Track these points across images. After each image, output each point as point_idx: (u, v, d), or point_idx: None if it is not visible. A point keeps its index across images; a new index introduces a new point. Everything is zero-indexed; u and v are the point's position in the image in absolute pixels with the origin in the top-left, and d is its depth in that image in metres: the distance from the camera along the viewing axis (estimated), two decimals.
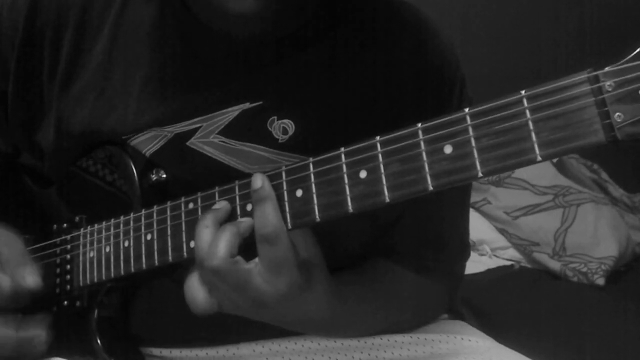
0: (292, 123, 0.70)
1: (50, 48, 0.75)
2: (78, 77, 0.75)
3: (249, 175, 0.58)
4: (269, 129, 0.70)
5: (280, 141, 0.70)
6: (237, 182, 0.60)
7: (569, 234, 1.75)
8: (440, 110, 0.72)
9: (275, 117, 0.70)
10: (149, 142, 0.72)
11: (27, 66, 0.77)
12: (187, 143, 0.71)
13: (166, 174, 0.71)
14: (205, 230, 0.58)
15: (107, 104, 0.73)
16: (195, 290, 0.60)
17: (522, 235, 1.78)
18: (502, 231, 1.81)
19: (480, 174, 0.45)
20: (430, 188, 0.48)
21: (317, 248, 0.61)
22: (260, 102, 0.70)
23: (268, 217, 0.55)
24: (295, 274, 0.57)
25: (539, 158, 0.43)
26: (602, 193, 1.96)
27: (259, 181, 0.56)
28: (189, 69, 0.72)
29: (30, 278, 0.70)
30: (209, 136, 0.70)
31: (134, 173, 0.71)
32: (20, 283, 0.69)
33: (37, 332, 0.72)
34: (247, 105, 0.70)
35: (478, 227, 1.79)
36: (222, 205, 0.60)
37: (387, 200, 0.50)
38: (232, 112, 0.70)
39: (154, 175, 0.71)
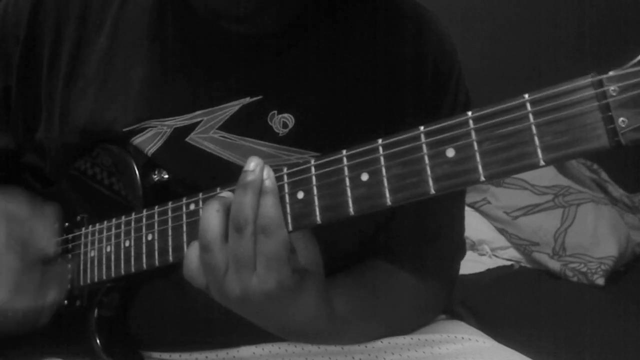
0: (292, 117, 0.70)
1: (51, 42, 0.76)
2: (81, 71, 0.75)
3: None
4: (270, 123, 0.70)
5: (280, 135, 0.70)
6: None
7: (569, 234, 1.75)
8: (438, 101, 0.74)
9: (276, 112, 0.70)
10: (149, 142, 0.72)
11: (30, 61, 0.77)
12: (187, 139, 0.71)
13: (168, 174, 0.71)
14: (216, 214, 0.56)
15: (108, 95, 0.73)
16: (191, 260, 0.59)
17: (522, 235, 1.78)
18: (502, 231, 1.81)
19: (482, 178, 0.45)
20: (432, 191, 0.48)
21: (318, 256, 0.61)
22: (261, 97, 0.70)
23: (268, 208, 0.54)
24: (286, 273, 0.56)
25: (542, 162, 0.43)
26: (602, 193, 1.97)
27: (265, 173, 0.55)
28: (189, 63, 0.72)
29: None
30: (209, 131, 0.70)
31: (136, 173, 0.71)
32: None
33: (65, 267, 0.73)
34: (248, 100, 0.70)
35: (478, 227, 1.80)
36: (227, 194, 0.58)
37: (389, 203, 0.50)
38: (232, 107, 0.70)
39: (155, 176, 0.71)
